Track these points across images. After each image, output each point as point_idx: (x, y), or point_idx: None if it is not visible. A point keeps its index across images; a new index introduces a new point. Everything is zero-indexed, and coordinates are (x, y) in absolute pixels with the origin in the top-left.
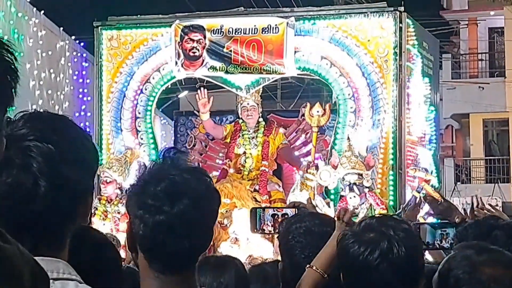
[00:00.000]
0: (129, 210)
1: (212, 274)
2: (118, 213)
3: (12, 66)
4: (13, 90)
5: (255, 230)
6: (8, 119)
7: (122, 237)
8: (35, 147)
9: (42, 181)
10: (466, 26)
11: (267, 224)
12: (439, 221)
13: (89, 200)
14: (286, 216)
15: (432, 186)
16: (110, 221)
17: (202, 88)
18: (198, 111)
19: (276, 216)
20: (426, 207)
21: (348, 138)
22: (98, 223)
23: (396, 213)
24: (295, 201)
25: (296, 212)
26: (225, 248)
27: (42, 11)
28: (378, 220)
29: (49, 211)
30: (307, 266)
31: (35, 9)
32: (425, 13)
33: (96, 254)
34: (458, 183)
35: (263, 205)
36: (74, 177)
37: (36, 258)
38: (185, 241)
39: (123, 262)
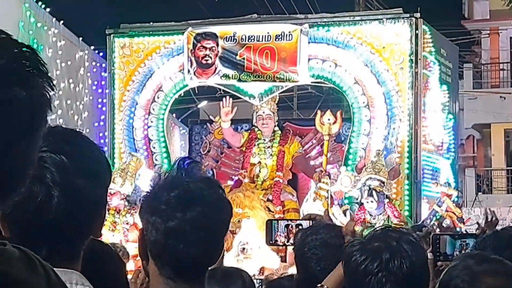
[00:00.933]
0: (142, 217)
1: (218, 286)
2: (127, 223)
3: (49, 102)
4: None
5: (270, 242)
6: None
7: (131, 248)
8: (49, 158)
9: (56, 192)
10: (487, 35)
11: (280, 235)
12: (459, 232)
13: (103, 213)
14: (300, 226)
15: (454, 201)
16: (119, 232)
17: (227, 97)
18: (214, 120)
19: (290, 226)
20: (445, 223)
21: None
22: (107, 234)
23: (417, 225)
24: (311, 213)
25: (311, 224)
26: (231, 258)
27: (62, 21)
28: (385, 231)
29: (63, 223)
30: (319, 285)
31: (54, 19)
32: (446, 23)
33: (100, 265)
34: (479, 193)
35: (276, 215)
36: (87, 189)
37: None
38: (195, 248)
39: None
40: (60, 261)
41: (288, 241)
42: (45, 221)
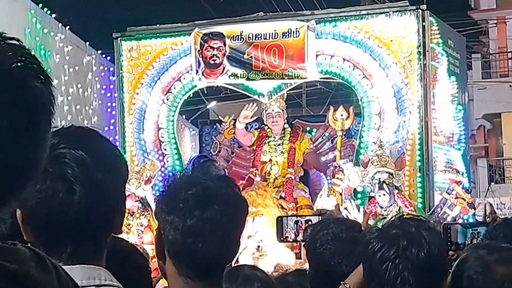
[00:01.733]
0: (159, 217)
1: (236, 286)
2: (141, 225)
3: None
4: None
5: (281, 239)
6: None
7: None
8: (69, 153)
9: (77, 187)
10: (494, 25)
11: (290, 232)
12: (470, 220)
13: (123, 209)
14: (310, 222)
15: (463, 187)
16: (134, 234)
17: (252, 103)
18: (223, 120)
19: (300, 222)
20: (456, 210)
21: (380, 140)
22: (122, 237)
23: (427, 215)
24: (321, 209)
25: (321, 219)
26: (247, 257)
27: (68, 27)
28: (403, 219)
29: (86, 218)
30: (342, 283)
31: (60, 24)
32: (453, 14)
33: (125, 262)
34: (492, 183)
35: (290, 212)
36: (107, 183)
37: (78, 266)
38: (214, 247)
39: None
40: (85, 258)
41: (296, 237)
42: (68, 217)
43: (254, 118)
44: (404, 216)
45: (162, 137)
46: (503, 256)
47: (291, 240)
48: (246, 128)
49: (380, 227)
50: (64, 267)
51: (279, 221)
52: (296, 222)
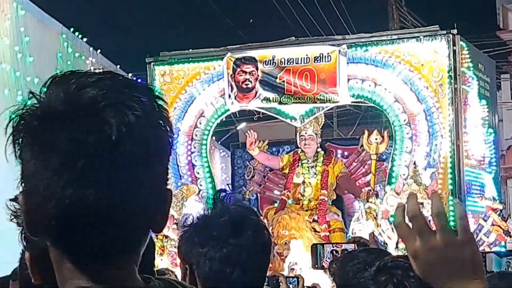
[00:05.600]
0: (188, 252)
1: None
2: (175, 247)
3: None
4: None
5: (316, 267)
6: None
7: (179, 272)
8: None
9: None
10: None
11: (326, 261)
12: (505, 249)
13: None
14: (346, 251)
15: (499, 214)
16: (167, 256)
17: (251, 131)
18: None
19: (335, 252)
20: (492, 237)
21: (415, 164)
22: (156, 259)
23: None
24: (355, 236)
25: (356, 248)
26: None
27: (99, 50)
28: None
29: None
30: None
31: (91, 48)
32: (481, 35)
33: None
34: None
35: (322, 234)
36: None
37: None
38: (251, 274)
39: None
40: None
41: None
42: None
43: (273, 132)
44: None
45: (195, 161)
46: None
47: (327, 268)
48: (277, 152)
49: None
50: None
51: (314, 248)
52: (332, 251)
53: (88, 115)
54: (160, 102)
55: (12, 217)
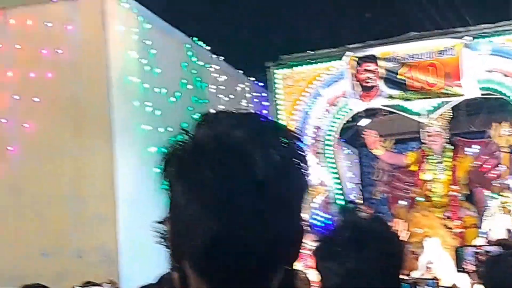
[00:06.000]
0: (319, 265)
1: None
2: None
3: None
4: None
5: (459, 270)
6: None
7: (311, 274)
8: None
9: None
10: None
11: (468, 264)
12: None
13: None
14: (489, 254)
15: None
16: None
17: (368, 130)
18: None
19: (478, 254)
20: None
21: None
22: None
23: None
24: (501, 239)
25: (502, 250)
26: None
27: (222, 57)
28: None
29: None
30: None
31: (214, 56)
32: None
33: None
34: None
35: (455, 230)
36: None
37: None
38: (378, 286)
39: None
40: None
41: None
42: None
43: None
44: None
45: (321, 161)
46: None
47: (470, 271)
48: (403, 150)
49: None
50: None
51: (457, 251)
52: (475, 253)
53: (237, 154)
54: (298, 142)
55: (160, 239)
